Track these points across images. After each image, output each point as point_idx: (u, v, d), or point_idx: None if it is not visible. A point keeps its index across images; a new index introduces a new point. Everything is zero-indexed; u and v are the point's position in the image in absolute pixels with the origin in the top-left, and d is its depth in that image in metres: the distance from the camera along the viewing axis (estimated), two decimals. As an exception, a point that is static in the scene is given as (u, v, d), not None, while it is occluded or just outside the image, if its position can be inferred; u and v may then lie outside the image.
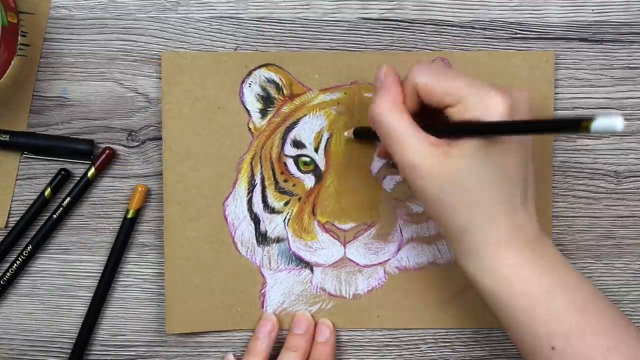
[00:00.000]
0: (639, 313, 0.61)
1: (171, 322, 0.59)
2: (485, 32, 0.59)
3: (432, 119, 0.49)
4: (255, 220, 0.59)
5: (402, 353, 0.61)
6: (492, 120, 0.45)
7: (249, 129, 0.58)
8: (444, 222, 0.48)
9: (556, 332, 0.47)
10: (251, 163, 0.59)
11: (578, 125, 0.38)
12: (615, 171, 0.60)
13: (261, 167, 0.59)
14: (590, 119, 0.37)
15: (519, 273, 0.48)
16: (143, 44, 0.58)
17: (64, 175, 0.58)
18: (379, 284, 0.60)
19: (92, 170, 0.58)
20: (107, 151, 0.58)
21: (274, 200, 0.59)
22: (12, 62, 0.58)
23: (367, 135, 0.55)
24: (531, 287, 0.47)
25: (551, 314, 0.47)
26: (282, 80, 0.58)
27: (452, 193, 0.47)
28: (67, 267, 0.60)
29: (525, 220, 0.48)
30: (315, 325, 0.60)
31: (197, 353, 0.60)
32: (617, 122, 0.37)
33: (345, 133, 0.58)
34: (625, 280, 0.61)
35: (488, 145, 0.46)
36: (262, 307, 0.59)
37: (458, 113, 0.46)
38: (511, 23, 0.59)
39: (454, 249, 0.50)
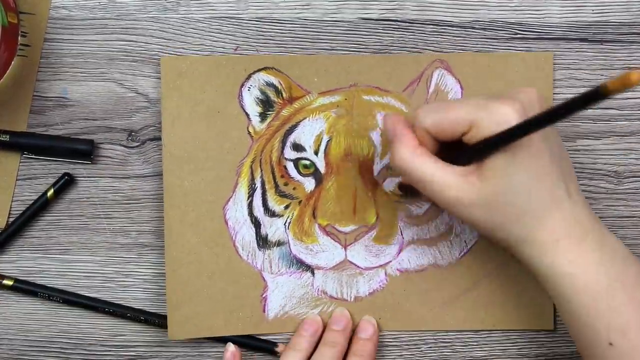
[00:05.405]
0: (637, 313, 0.61)
1: (173, 328, 0.59)
2: (485, 32, 0.58)
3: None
4: (256, 224, 0.59)
5: (402, 353, 0.61)
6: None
7: (249, 132, 0.58)
8: (501, 238, 0.49)
9: (614, 327, 0.47)
10: (251, 167, 0.58)
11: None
12: (615, 171, 0.60)
13: (261, 170, 0.58)
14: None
15: (580, 268, 0.48)
16: (143, 44, 0.58)
17: (67, 180, 0.58)
18: (380, 286, 0.60)
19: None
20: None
21: (275, 204, 0.59)
22: (12, 62, 0.58)
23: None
24: (592, 282, 0.48)
25: (611, 310, 0.47)
26: (281, 84, 0.58)
27: (498, 211, 0.48)
28: (67, 267, 0.60)
29: (577, 212, 0.49)
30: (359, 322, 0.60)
31: (197, 353, 0.60)
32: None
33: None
34: (625, 280, 0.61)
35: (514, 155, 0.46)
36: (264, 311, 0.59)
37: (475, 136, 0.47)
38: (511, 23, 0.59)
39: (518, 257, 0.50)
